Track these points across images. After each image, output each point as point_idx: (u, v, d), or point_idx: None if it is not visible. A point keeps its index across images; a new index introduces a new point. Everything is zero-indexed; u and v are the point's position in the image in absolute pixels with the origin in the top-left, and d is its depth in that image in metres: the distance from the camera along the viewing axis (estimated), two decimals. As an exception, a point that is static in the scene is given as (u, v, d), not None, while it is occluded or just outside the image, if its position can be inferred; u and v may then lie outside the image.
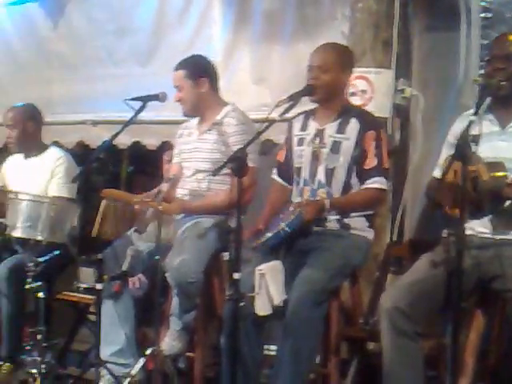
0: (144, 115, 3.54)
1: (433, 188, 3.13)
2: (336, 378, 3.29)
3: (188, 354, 3.68)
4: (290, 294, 3.12)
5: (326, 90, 3.29)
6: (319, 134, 3.35)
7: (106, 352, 3.56)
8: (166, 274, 3.42)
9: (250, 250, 3.26)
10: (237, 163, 2.95)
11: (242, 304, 2.97)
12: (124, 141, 4.76)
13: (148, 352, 3.41)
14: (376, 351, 3.33)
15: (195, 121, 3.84)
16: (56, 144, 4.82)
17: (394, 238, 3.90)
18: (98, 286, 3.38)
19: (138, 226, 3.59)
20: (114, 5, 4.83)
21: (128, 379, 3.43)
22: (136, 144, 4.88)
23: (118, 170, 6.07)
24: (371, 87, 3.83)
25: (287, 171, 3.49)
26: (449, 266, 2.82)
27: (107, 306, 3.59)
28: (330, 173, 3.29)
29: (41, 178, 4.27)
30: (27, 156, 4.39)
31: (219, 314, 3.73)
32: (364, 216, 3.32)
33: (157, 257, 3.41)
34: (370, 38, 3.87)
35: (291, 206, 3.25)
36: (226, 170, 3.22)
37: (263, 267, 3.15)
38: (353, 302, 3.43)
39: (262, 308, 3.12)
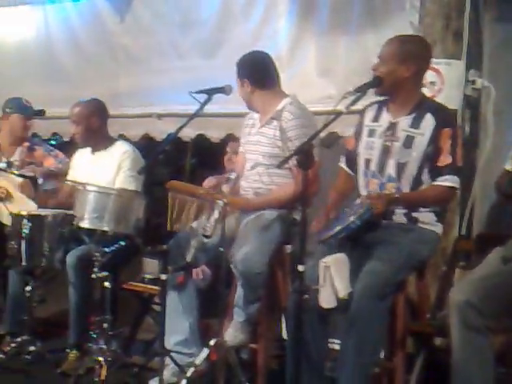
0: (208, 108, 3.56)
1: (504, 181, 3.06)
2: (401, 372, 3.26)
3: (251, 345, 3.69)
4: (354, 287, 3.10)
5: (392, 82, 3.24)
6: (392, 127, 3.30)
7: (170, 341, 3.60)
8: (231, 266, 3.44)
9: (318, 243, 3.24)
10: (303, 156, 2.94)
11: (306, 296, 2.97)
12: (188, 133, 4.80)
13: (212, 343, 3.43)
14: (443, 346, 3.28)
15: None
16: (122, 137, 4.90)
17: (463, 232, 3.84)
18: (163, 277, 3.42)
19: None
20: (179, -2, 4.86)
21: (192, 369, 3.46)
22: (200, 136, 4.90)
23: (182, 163, 6.13)
24: (441, 79, 3.77)
25: (355, 160, 3.46)
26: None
27: (171, 297, 3.63)
28: (401, 167, 3.24)
29: (108, 171, 4.34)
30: (94, 150, 4.46)
31: (282, 306, 3.74)
32: (433, 211, 3.27)
33: (221, 248, 3.44)
34: (441, 28, 3.82)
35: (359, 199, 3.21)
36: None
37: (328, 260, 3.13)
38: (419, 296, 3.38)
39: (326, 301, 3.11)
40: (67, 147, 5.13)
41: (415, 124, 3.24)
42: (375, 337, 3.07)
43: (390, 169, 3.26)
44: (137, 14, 5.04)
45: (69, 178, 4.53)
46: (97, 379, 3.63)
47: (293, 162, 3.22)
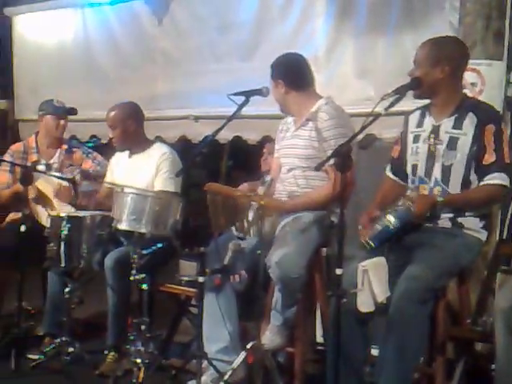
0: (245, 110, 3.56)
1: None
2: (441, 378, 3.21)
3: (288, 349, 3.68)
4: (393, 291, 3.06)
5: (429, 85, 3.21)
6: (435, 130, 3.27)
7: (211, 349, 3.58)
8: (269, 269, 3.42)
9: (358, 247, 3.22)
10: (341, 158, 2.92)
11: (344, 300, 2.94)
12: (225, 135, 4.81)
13: (249, 346, 3.43)
14: (484, 352, 3.23)
15: (293, 116, 3.84)
16: (159, 139, 4.91)
17: (504, 236, 3.77)
18: (200, 279, 3.42)
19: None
20: (216, 1, 4.86)
21: (229, 372, 3.46)
22: (236, 138, 4.90)
23: (219, 165, 6.13)
24: (482, 80, 3.72)
25: (400, 168, 3.43)
26: None
27: (210, 302, 3.61)
28: (446, 170, 3.20)
29: (146, 173, 4.36)
30: (132, 152, 4.48)
31: (321, 310, 3.72)
32: (478, 216, 3.21)
33: (259, 251, 3.43)
34: (481, 29, 3.77)
35: (400, 200, 3.18)
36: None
37: (366, 263, 3.11)
38: (460, 302, 3.33)
39: (364, 305, 3.08)
40: (105, 150, 5.17)
41: (457, 125, 3.20)
42: (415, 342, 3.03)
43: (437, 172, 3.23)
44: (175, 17, 5.07)
45: (107, 180, 4.56)
46: (134, 381, 3.65)
47: (330, 163, 3.19)
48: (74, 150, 4.85)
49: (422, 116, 3.35)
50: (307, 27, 4.42)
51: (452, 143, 3.19)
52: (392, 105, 3.03)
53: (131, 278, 3.76)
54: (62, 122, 4.78)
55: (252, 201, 3.43)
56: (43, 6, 5.71)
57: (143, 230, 3.70)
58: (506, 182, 3.14)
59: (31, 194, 4.46)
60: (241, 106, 3.52)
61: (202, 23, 4.92)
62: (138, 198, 3.73)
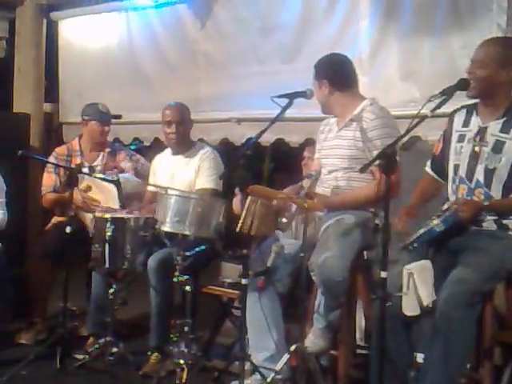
0: (288, 112, 3.54)
1: None
2: (488, 384, 3.16)
3: (331, 352, 3.66)
4: (439, 295, 3.03)
5: (481, 85, 3.16)
6: (481, 131, 3.22)
7: (258, 358, 3.59)
8: (312, 272, 3.40)
9: (400, 249, 3.19)
10: (386, 160, 2.90)
11: (389, 304, 2.92)
12: (267, 138, 4.79)
13: (292, 348, 3.42)
14: (533, 358, 3.17)
15: (335, 117, 3.81)
16: (201, 141, 4.94)
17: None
18: (244, 281, 3.42)
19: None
20: (260, 3, 4.85)
21: (272, 374, 3.45)
22: (279, 141, 4.89)
23: (260, 167, 6.14)
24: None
25: (441, 165, 3.40)
26: None
27: (252, 303, 3.59)
28: (489, 173, 3.16)
29: (188, 173, 4.41)
30: (175, 153, 4.52)
31: (364, 314, 3.70)
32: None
33: (301, 254, 3.42)
34: (530, 31, 3.70)
35: (446, 204, 3.14)
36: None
37: (412, 266, 3.08)
38: (508, 306, 3.27)
39: (409, 308, 3.06)
40: (147, 152, 5.21)
41: (505, 128, 3.15)
42: (462, 347, 2.99)
43: (479, 174, 3.18)
44: (217, 20, 5.07)
45: (150, 182, 4.60)
46: (178, 382, 3.67)
47: (375, 165, 3.17)
48: (118, 152, 4.91)
49: (469, 115, 3.30)
50: (351, 29, 4.39)
51: (497, 147, 3.15)
52: (439, 106, 3.00)
53: (174, 280, 3.78)
54: (107, 128, 4.84)
55: (295, 203, 3.42)
56: (88, 11, 5.77)
57: (186, 232, 3.72)
58: None
59: (81, 190, 4.51)
60: (284, 109, 3.51)
61: (244, 26, 4.92)
62: (182, 200, 3.75)
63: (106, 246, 4.00)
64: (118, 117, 4.91)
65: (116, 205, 4.42)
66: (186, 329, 3.79)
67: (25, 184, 5.48)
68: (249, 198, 3.48)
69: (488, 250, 3.07)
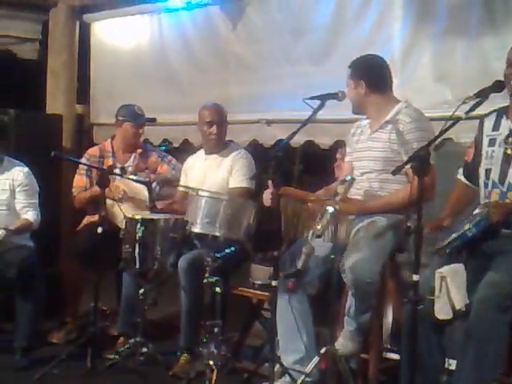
0: (318, 114, 3.53)
1: None
2: (521, 389, 3.12)
3: (361, 355, 3.64)
4: (472, 298, 3.00)
5: None
6: None
7: (288, 360, 3.57)
8: (342, 274, 3.39)
9: (433, 253, 3.16)
10: (419, 162, 2.88)
11: (420, 307, 2.90)
12: (297, 139, 4.76)
13: (322, 351, 3.40)
14: None
15: (368, 119, 3.79)
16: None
17: None
18: (274, 283, 3.42)
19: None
20: (292, 5, 4.84)
21: (302, 377, 3.44)
22: (308, 143, 4.88)
23: (290, 169, 6.13)
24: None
25: (473, 172, 3.37)
26: None
27: (282, 305, 3.58)
28: None
29: (221, 173, 4.44)
30: (209, 152, 4.54)
31: (394, 317, 3.67)
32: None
33: (332, 256, 3.41)
34: None
35: (478, 208, 3.11)
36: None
37: (444, 270, 3.05)
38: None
39: (442, 312, 3.03)
40: (176, 153, 5.23)
41: None
42: (495, 351, 2.95)
43: (511, 177, 3.14)
44: (249, 22, 5.07)
45: (181, 183, 4.62)
46: (207, 383, 3.67)
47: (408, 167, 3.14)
48: (149, 153, 4.93)
49: (499, 119, 3.27)
50: (383, 31, 4.35)
51: None
52: (473, 108, 2.97)
53: (204, 281, 3.79)
54: (141, 130, 4.87)
55: (327, 205, 3.40)
56: (120, 13, 5.81)
57: (217, 233, 3.73)
58: None
59: (119, 194, 4.54)
60: (316, 110, 3.50)
61: (276, 27, 4.90)
62: (212, 202, 3.76)
63: (137, 246, 4.03)
64: (153, 120, 4.93)
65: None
66: (215, 330, 3.79)
67: (57, 184, 5.52)
68: (280, 199, 3.48)
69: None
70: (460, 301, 3.01)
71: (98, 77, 6.09)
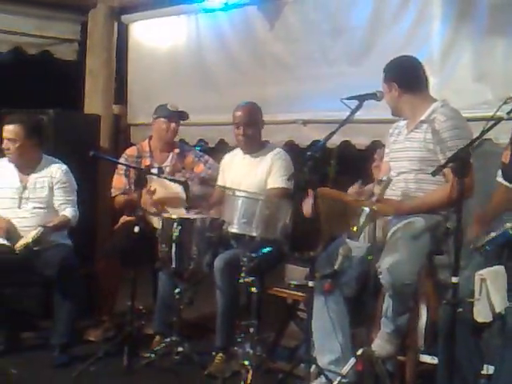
0: (355, 114, 3.51)
1: None
2: None
3: (398, 357, 3.60)
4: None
5: None
6: None
7: (323, 361, 3.57)
8: (380, 276, 3.37)
9: (472, 251, 3.12)
10: (460, 163, 2.85)
11: (459, 309, 2.86)
12: (333, 140, 4.72)
13: (359, 352, 3.38)
14: None
15: (405, 120, 3.77)
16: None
17: None
18: (310, 284, 3.41)
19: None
20: (330, 5, 4.82)
21: (338, 378, 3.43)
22: (345, 143, 4.85)
23: (325, 170, 6.10)
24: None
25: None
26: None
27: (319, 305, 3.58)
28: None
29: (259, 173, 4.43)
30: (246, 152, 4.54)
31: (432, 318, 3.63)
32: None
33: (370, 257, 3.38)
34: None
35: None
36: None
37: (484, 272, 3.01)
38: None
39: (481, 314, 2.99)
40: (211, 153, 5.25)
41: None
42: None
43: None
44: (286, 22, 5.06)
45: (219, 181, 4.63)
46: (243, 383, 3.67)
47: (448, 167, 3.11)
48: (186, 153, 4.96)
49: None
50: (422, 30, 4.31)
51: None
52: (516, 108, 2.93)
53: (240, 281, 3.78)
54: (173, 125, 4.88)
55: (364, 206, 3.38)
56: (158, 13, 5.83)
57: (253, 234, 3.72)
58: None
59: (151, 199, 4.57)
60: (354, 110, 3.49)
61: (314, 28, 4.89)
62: (249, 202, 3.76)
63: (173, 246, 4.04)
64: (184, 114, 4.94)
65: (183, 206, 4.48)
66: (251, 330, 3.79)
67: (94, 183, 5.59)
68: (317, 199, 3.46)
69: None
70: (500, 303, 2.96)
71: (136, 77, 6.13)
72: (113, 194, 4.92)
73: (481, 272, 3.00)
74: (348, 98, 3.49)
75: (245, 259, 3.78)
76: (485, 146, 3.95)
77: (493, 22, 4.01)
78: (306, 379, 3.41)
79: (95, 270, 4.76)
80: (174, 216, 4.15)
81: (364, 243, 3.60)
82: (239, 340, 3.82)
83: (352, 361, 3.41)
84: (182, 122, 4.97)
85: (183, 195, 4.54)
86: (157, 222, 4.37)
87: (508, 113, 2.91)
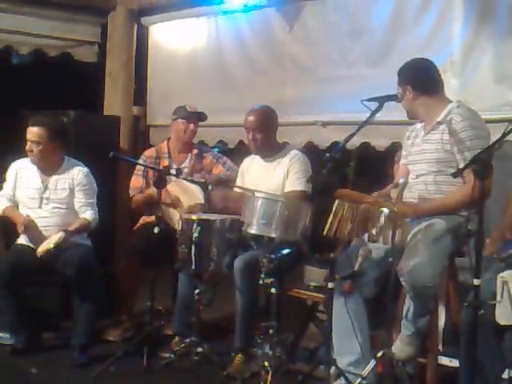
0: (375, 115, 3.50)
1: None
2: None
3: (419, 359, 3.59)
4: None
5: None
6: None
7: (343, 362, 3.56)
8: (400, 278, 3.35)
9: (496, 262, 3.11)
10: (481, 165, 2.84)
11: (481, 312, 2.85)
12: (353, 141, 4.69)
13: (379, 354, 3.37)
14: None
15: (421, 123, 3.76)
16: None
17: None
18: (330, 285, 3.40)
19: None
20: (349, 7, 4.82)
21: (358, 380, 3.42)
22: (364, 145, 4.84)
23: (344, 171, 6.09)
24: None
25: None
26: None
27: (338, 307, 3.57)
28: None
29: (277, 176, 4.42)
30: (264, 156, 4.53)
31: (453, 321, 3.61)
32: None
33: (390, 259, 3.37)
34: None
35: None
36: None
37: (506, 274, 3.01)
38: None
39: (503, 317, 2.98)
40: (231, 155, 5.25)
41: None
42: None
43: None
44: (306, 24, 5.06)
45: (238, 184, 4.63)
46: (262, 384, 3.68)
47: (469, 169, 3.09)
48: (205, 154, 4.97)
49: None
50: (443, 32, 4.29)
51: None
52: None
53: (260, 282, 3.78)
54: (192, 126, 4.90)
55: (384, 207, 3.37)
56: (178, 15, 5.86)
57: (273, 235, 3.72)
58: None
59: (167, 200, 4.59)
60: (374, 112, 3.48)
61: (333, 29, 4.89)
62: (269, 203, 3.76)
63: (193, 247, 4.04)
64: (202, 115, 4.96)
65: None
66: (270, 331, 3.79)
67: (114, 185, 5.61)
68: (336, 201, 3.45)
69: None
70: (522, 306, 2.95)
71: (155, 79, 6.16)
72: (131, 194, 4.94)
73: (503, 274, 3.00)
74: (368, 100, 3.49)
75: (264, 260, 3.78)
76: (504, 147, 3.93)
77: (513, 23, 4.00)
78: (325, 381, 3.41)
79: (114, 271, 4.78)
80: (193, 217, 4.15)
81: (383, 245, 3.60)
82: (258, 341, 3.82)
83: (372, 362, 3.40)
84: (201, 123, 4.99)
85: (201, 196, 4.56)
86: (177, 223, 4.38)
87: (530, 114, 2.89)
